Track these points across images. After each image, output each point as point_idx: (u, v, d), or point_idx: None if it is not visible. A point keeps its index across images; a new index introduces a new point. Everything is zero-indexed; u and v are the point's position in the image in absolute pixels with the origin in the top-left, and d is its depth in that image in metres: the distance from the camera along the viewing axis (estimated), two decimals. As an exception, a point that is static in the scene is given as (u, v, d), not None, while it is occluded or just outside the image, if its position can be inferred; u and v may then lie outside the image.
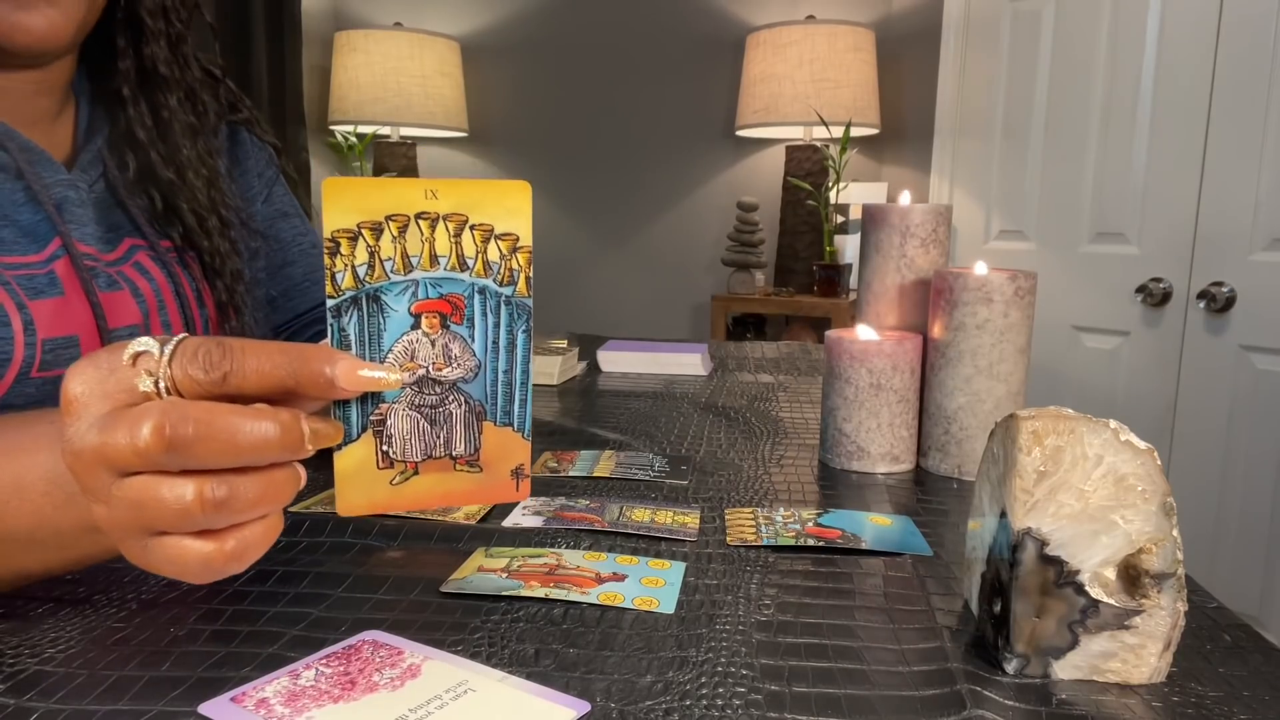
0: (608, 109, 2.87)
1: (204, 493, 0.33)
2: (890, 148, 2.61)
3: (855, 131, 2.43)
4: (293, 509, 0.58)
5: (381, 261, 0.36)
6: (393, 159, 2.80)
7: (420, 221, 0.36)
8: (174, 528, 0.34)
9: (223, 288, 0.69)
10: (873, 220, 0.76)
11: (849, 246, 2.49)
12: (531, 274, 0.38)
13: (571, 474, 0.68)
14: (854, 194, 2.49)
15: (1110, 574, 0.38)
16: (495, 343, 0.38)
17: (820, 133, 2.45)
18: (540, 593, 0.46)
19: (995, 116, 2.30)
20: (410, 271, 0.37)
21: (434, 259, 0.37)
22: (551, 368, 1.04)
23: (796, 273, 2.53)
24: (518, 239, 0.38)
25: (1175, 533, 0.38)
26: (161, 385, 0.34)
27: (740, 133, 2.60)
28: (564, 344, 1.16)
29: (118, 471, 0.33)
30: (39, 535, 0.39)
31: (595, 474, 0.68)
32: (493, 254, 0.38)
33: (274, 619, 0.43)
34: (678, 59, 2.78)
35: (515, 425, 0.39)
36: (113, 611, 0.43)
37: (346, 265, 0.36)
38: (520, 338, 0.39)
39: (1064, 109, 2.13)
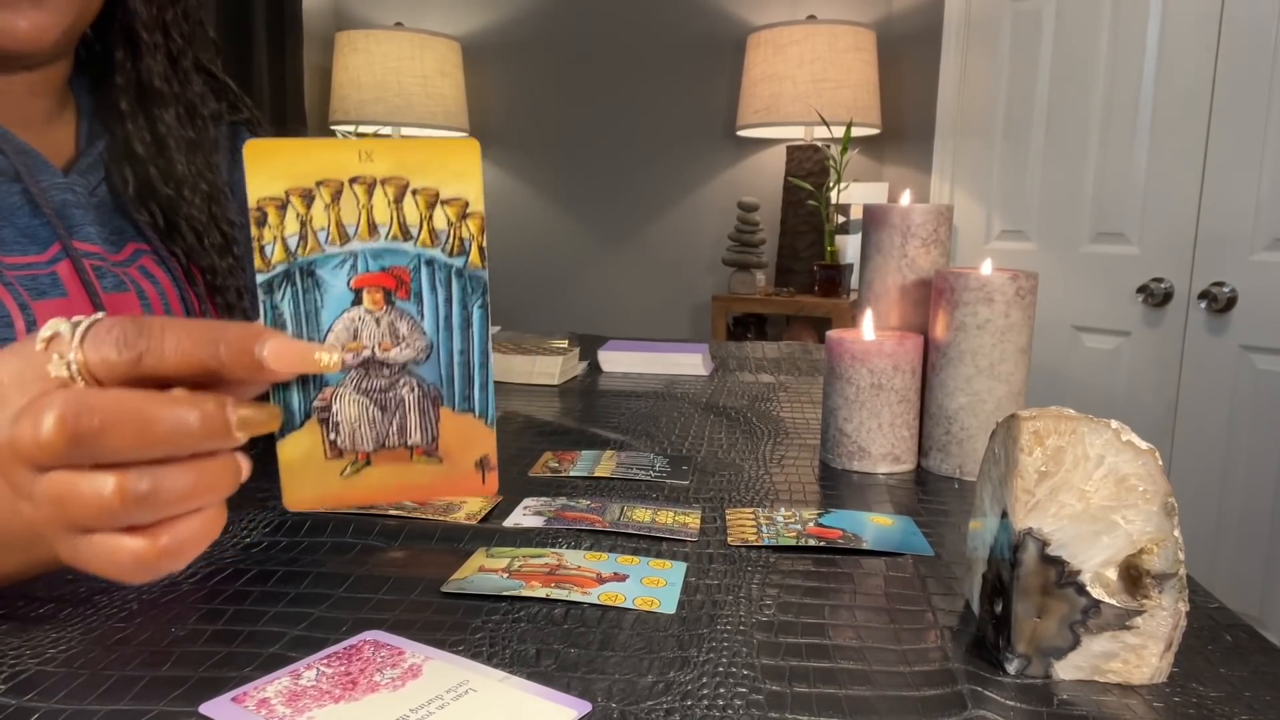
0: (609, 109, 2.87)
1: (124, 486, 0.31)
2: (891, 148, 2.61)
3: (856, 131, 2.43)
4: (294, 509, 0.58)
5: (314, 232, 0.33)
6: (393, 159, 2.79)
7: (355, 187, 0.33)
8: (98, 524, 0.32)
9: (224, 305, 0.69)
10: (874, 220, 0.76)
11: (850, 246, 2.49)
12: (485, 243, 0.35)
13: (572, 474, 0.68)
14: (855, 194, 2.49)
15: (1111, 574, 0.38)
16: (448, 319, 0.35)
17: (821, 133, 2.45)
18: (541, 593, 0.46)
19: (996, 116, 2.30)
20: (347, 242, 0.33)
21: (373, 228, 0.34)
22: (552, 368, 1.04)
23: (797, 273, 2.53)
24: (467, 204, 0.34)
25: (1176, 533, 0.38)
26: (74, 369, 0.32)
27: (741, 133, 2.60)
28: (564, 344, 1.16)
29: (34, 467, 0.31)
30: (3, 539, 0.37)
31: (596, 474, 0.68)
32: (439, 221, 0.34)
33: (275, 619, 0.43)
34: (678, 59, 2.78)
35: (476, 411, 0.36)
36: (114, 611, 0.43)
37: (275, 236, 0.33)
38: (476, 314, 0.35)
39: (1065, 109, 2.13)
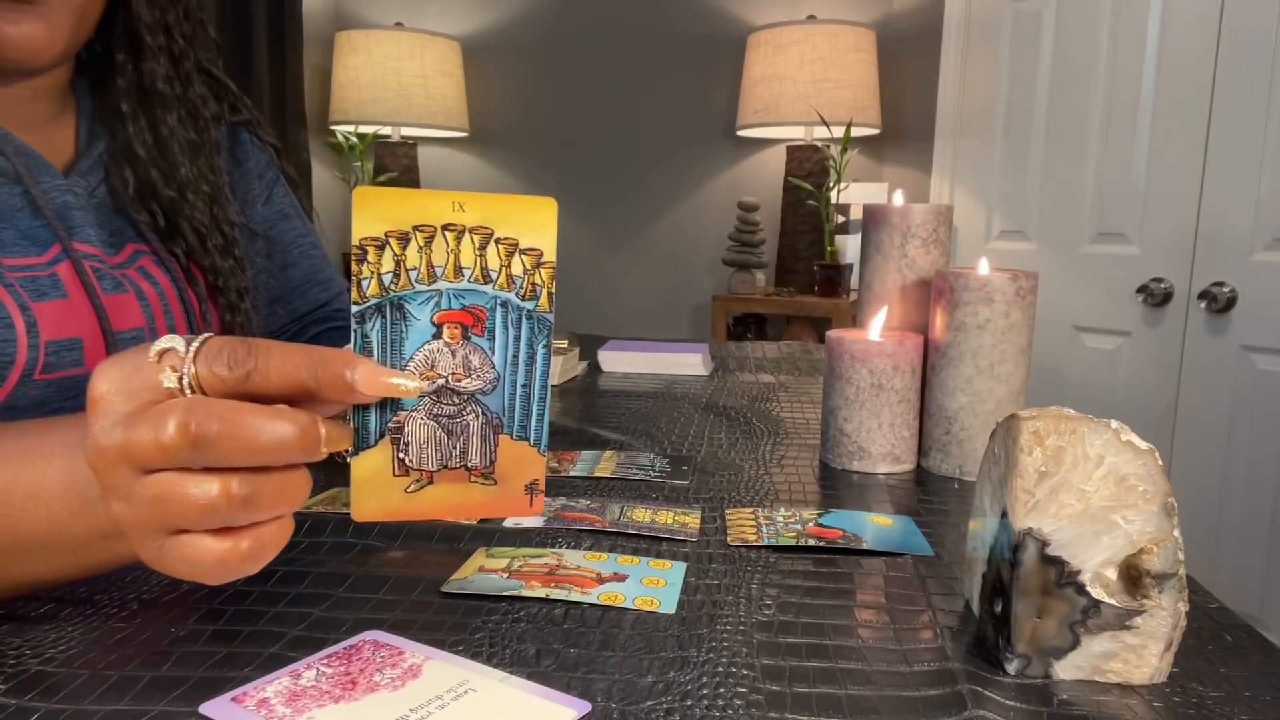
0: (609, 109, 2.87)
1: (230, 489, 0.33)
2: (891, 148, 2.61)
3: (856, 131, 2.43)
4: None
5: (407, 270, 0.36)
6: (393, 159, 2.80)
7: (447, 233, 0.37)
8: (196, 524, 0.34)
9: (226, 305, 0.69)
10: (874, 220, 0.76)
11: (850, 246, 2.49)
12: (554, 290, 0.38)
13: (572, 474, 0.68)
14: (855, 194, 2.49)
15: (1111, 574, 0.38)
16: (515, 356, 0.38)
17: (821, 133, 2.45)
18: (541, 593, 0.46)
19: (996, 116, 2.30)
20: (435, 281, 0.37)
21: (458, 270, 0.37)
22: (552, 368, 1.04)
23: (797, 273, 2.54)
24: (541, 254, 0.38)
25: (1176, 533, 0.38)
26: (185, 383, 0.34)
27: (741, 133, 2.60)
28: (565, 344, 1.16)
29: (141, 468, 0.34)
30: (53, 541, 0.39)
31: (596, 474, 0.68)
32: (516, 268, 0.38)
33: (275, 619, 0.43)
34: (678, 59, 2.78)
35: (531, 439, 0.39)
36: (114, 612, 0.43)
37: (373, 273, 0.36)
38: (540, 352, 0.39)
39: (1065, 109, 2.13)
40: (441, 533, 0.55)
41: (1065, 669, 0.39)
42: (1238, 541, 1.88)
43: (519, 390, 0.39)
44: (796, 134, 2.54)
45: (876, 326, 0.72)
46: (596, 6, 2.83)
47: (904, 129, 2.57)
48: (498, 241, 0.37)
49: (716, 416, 0.88)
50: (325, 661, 0.39)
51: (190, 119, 0.69)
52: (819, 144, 2.48)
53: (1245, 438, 1.86)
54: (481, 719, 0.35)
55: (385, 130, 2.81)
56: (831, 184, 2.40)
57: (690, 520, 0.58)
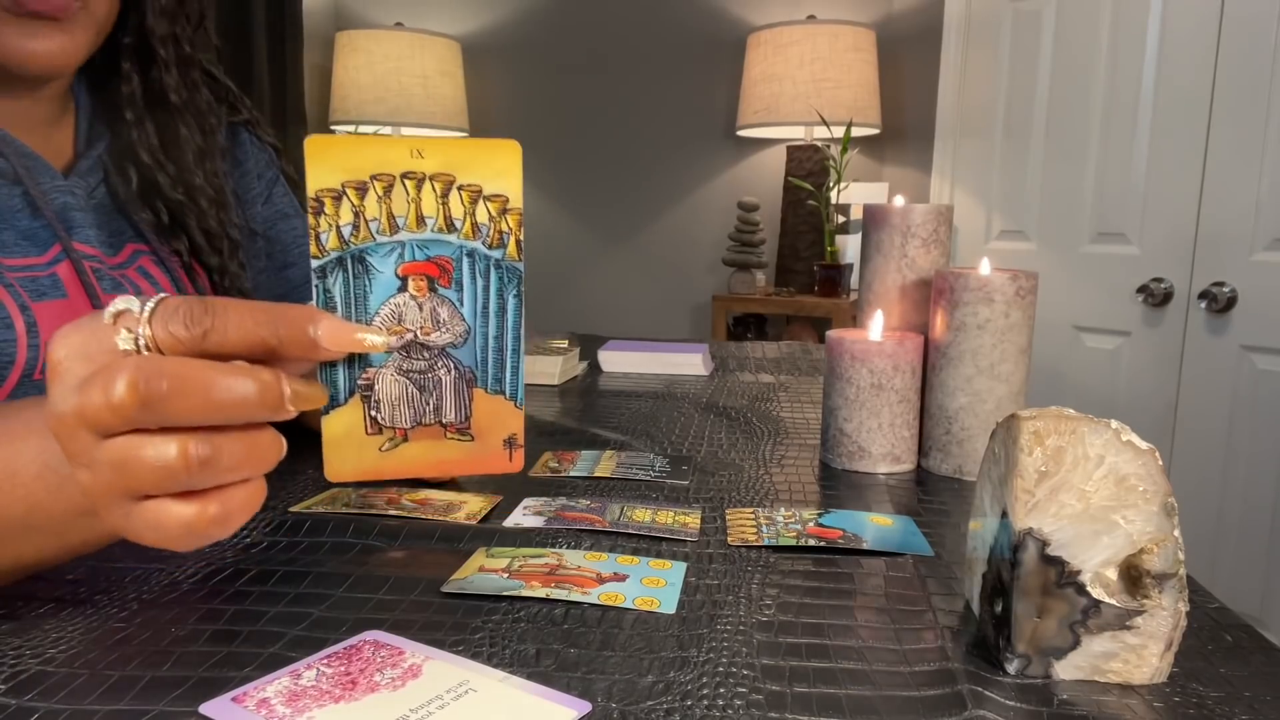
0: (609, 109, 2.87)
1: (187, 450, 0.32)
2: (891, 148, 2.61)
3: (856, 131, 2.43)
4: (294, 509, 0.58)
5: (367, 222, 0.35)
6: (393, 159, 2.80)
7: (406, 181, 0.35)
8: (157, 488, 0.33)
9: None
10: (874, 220, 0.76)
11: (850, 246, 2.49)
12: (522, 237, 0.37)
13: (572, 474, 0.68)
14: (855, 194, 2.49)
15: (1112, 574, 0.38)
16: (485, 307, 0.37)
17: (821, 133, 2.45)
18: (541, 593, 0.46)
19: (996, 116, 2.30)
20: (396, 233, 0.35)
21: (420, 220, 0.36)
22: (552, 368, 1.04)
23: (797, 273, 2.54)
24: (507, 200, 0.36)
25: (1177, 533, 0.38)
26: (142, 343, 0.34)
27: (741, 133, 2.60)
28: (565, 344, 1.16)
29: (99, 432, 0.33)
30: (33, 521, 0.39)
31: (596, 474, 0.68)
32: (481, 216, 0.36)
33: (275, 619, 0.43)
34: (678, 59, 2.78)
35: (507, 393, 0.38)
36: (114, 611, 0.43)
37: (331, 225, 0.35)
38: (511, 302, 0.37)
39: (1065, 109, 2.13)
40: (441, 533, 0.55)
41: (1065, 669, 0.39)
42: (1238, 541, 1.88)
43: (491, 343, 0.38)
44: (796, 134, 2.54)
45: (876, 326, 0.72)
46: (596, 6, 2.83)
47: (904, 129, 2.57)
48: (460, 189, 0.36)
49: (716, 416, 0.88)
50: (325, 661, 0.39)
51: (196, 125, 0.69)
52: (819, 144, 2.48)
53: (1245, 438, 1.86)
54: (481, 719, 0.35)
55: (385, 130, 2.81)
56: (831, 184, 2.41)
57: (690, 520, 0.58)
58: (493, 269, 0.37)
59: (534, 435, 0.80)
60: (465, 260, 0.36)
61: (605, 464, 0.71)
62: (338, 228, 0.35)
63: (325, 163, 0.34)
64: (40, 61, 0.57)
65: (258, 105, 2.26)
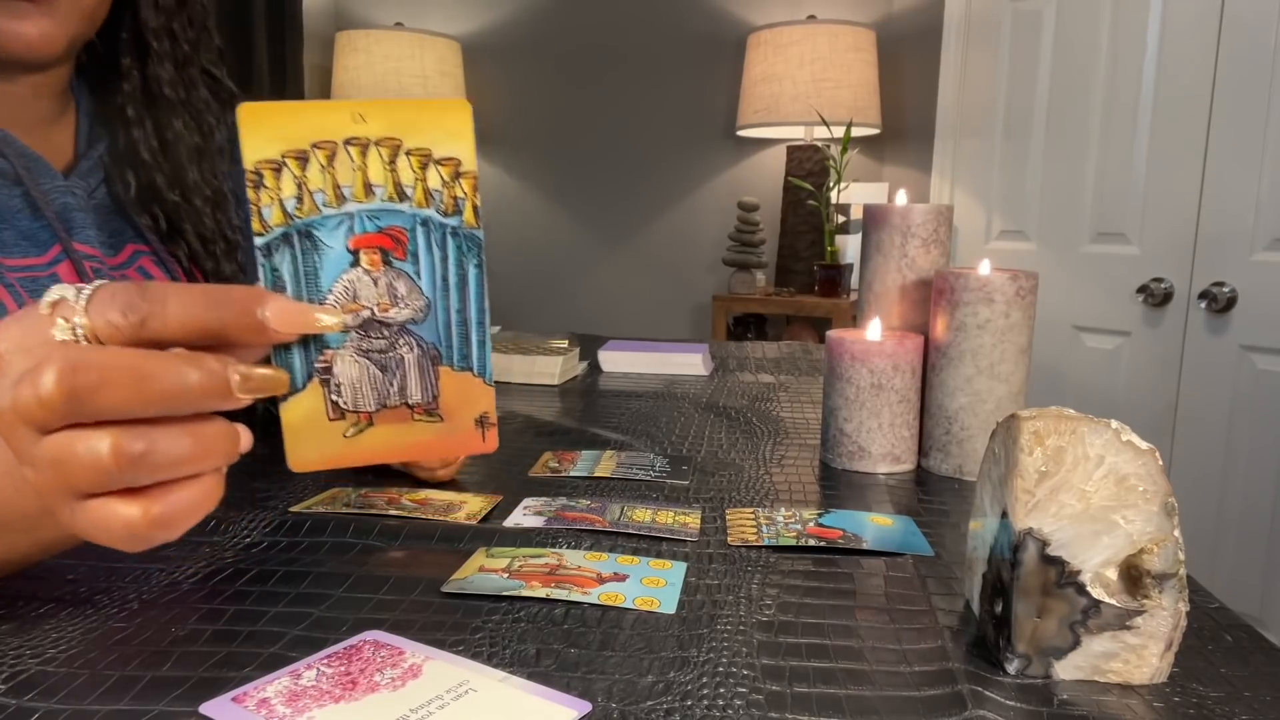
0: (608, 109, 2.87)
1: (119, 445, 0.31)
2: (891, 148, 2.61)
3: (856, 131, 2.43)
4: (294, 509, 0.58)
5: (311, 194, 0.33)
6: (393, 159, 2.80)
7: (350, 148, 0.33)
8: (95, 486, 0.32)
9: None
10: (874, 220, 0.76)
11: (850, 246, 2.49)
12: (479, 202, 0.35)
13: (573, 474, 0.68)
14: (855, 194, 2.49)
15: (1112, 574, 0.38)
16: (445, 279, 0.35)
17: (821, 133, 2.45)
18: (541, 593, 0.46)
19: (996, 116, 2.30)
20: (344, 204, 0.34)
21: (369, 189, 0.34)
22: (552, 368, 1.04)
23: (797, 273, 2.54)
24: (460, 163, 0.34)
25: (1177, 533, 0.38)
26: (79, 334, 0.32)
27: (741, 133, 2.60)
28: (565, 344, 1.16)
29: (36, 428, 0.32)
30: (6, 519, 0.37)
31: (596, 474, 0.68)
32: (433, 181, 0.34)
33: (275, 619, 0.43)
34: (679, 59, 2.78)
35: (475, 369, 0.36)
36: (114, 611, 0.43)
37: (273, 199, 0.33)
38: (472, 272, 0.35)
39: (1065, 109, 2.13)
40: (441, 533, 0.55)
41: (1065, 669, 0.39)
42: (1238, 541, 1.88)
43: (454, 317, 0.36)
44: (796, 134, 2.54)
45: (876, 326, 0.72)
46: (596, 7, 2.83)
47: (904, 129, 2.57)
48: (408, 153, 0.34)
49: (716, 416, 0.88)
50: (325, 661, 0.39)
51: (195, 123, 0.69)
52: (819, 144, 2.48)
53: (1245, 438, 1.86)
54: (481, 719, 0.35)
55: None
56: (831, 184, 2.40)
57: (690, 520, 0.58)
58: (449, 237, 0.35)
59: (534, 435, 0.80)
60: (420, 230, 0.34)
61: (605, 464, 0.71)
62: (280, 201, 0.33)
63: (261, 132, 0.32)
64: (20, 44, 0.56)
65: (258, 105, 2.26)
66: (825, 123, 2.33)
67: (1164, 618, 0.38)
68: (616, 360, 1.14)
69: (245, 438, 0.34)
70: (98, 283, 0.33)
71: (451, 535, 0.54)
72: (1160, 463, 0.38)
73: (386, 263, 0.34)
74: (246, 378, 0.32)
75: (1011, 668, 0.39)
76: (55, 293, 0.33)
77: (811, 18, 2.47)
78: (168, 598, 0.45)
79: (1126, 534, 0.38)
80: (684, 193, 2.84)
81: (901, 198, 0.77)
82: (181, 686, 0.37)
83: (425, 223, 0.35)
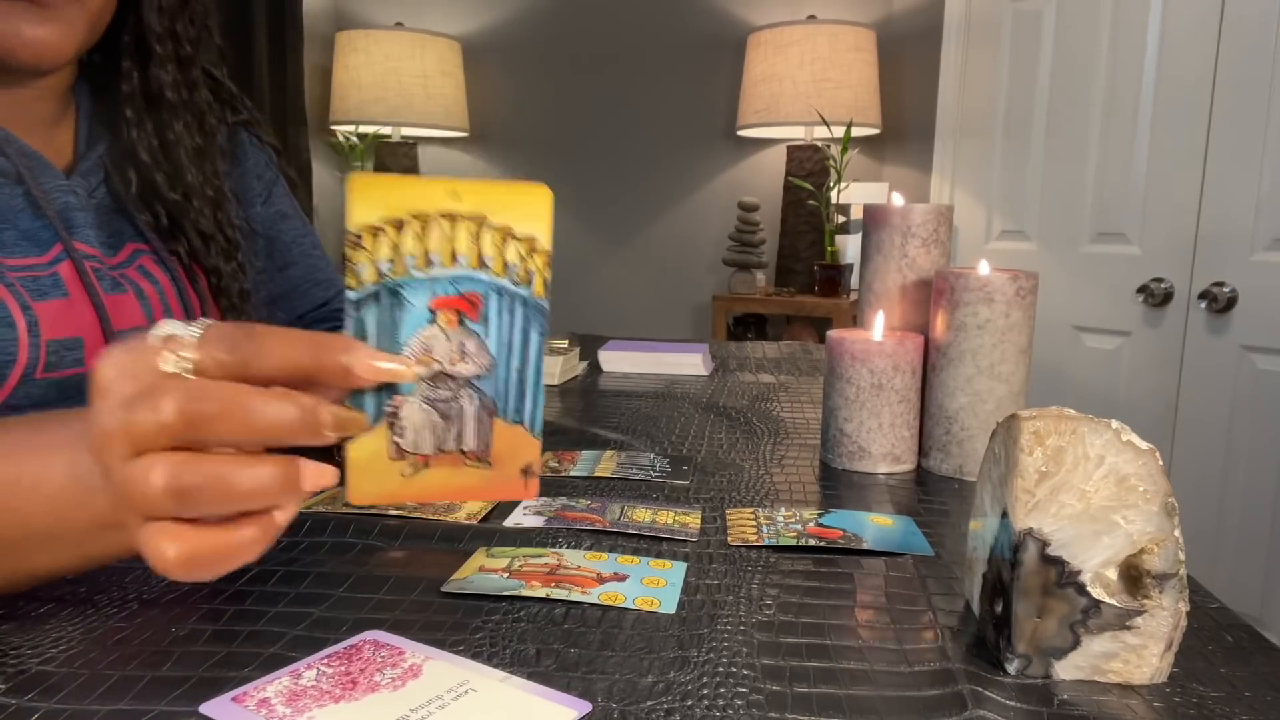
0: (609, 109, 2.87)
1: (180, 477, 0.33)
2: (891, 148, 2.61)
3: (856, 131, 2.43)
4: (294, 509, 0.58)
5: (403, 257, 0.37)
6: (394, 159, 2.80)
7: (443, 220, 0.37)
8: (155, 510, 0.34)
9: (228, 305, 0.69)
10: (874, 220, 0.76)
11: (850, 246, 2.49)
12: (549, 277, 0.39)
13: (573, 474, 0.68)
14: (855, 194, 2.49)
15: (1112, 574, 0.38)
16: (509, 341, 0.39)
17: (821, 133, 2.45)
18: (541, 593, 0.46)
19: (996, 116, 2.30)
20: (431, 268, 0.37)
21: (454, 257, 0.37)
22: (552, 368, 1.04)
23: (797, 273, 2.53)
24: (536, 240, 0.38)
25: (1177, 533, 0.38)
26: (186, 367, 0.35)
27: (741, 133, 2.60)
28: (565, 344, 1.16)
29: (137, 449, 0.34)
30: (58, 532, 0.39)
31: (596, 474, 0.68)
32: (511, 254, 0.38)
33: (275, 619, 0.43)
34: (678, 59, 2.78)
35: (526, 423, 0.40)
36: (114, 611, 0.43)
37: (369, 260, 0.36)
38: (534, 337, 0.39)
39: (1065, 109, 2.13)
40: (442, 533, 0.55)
41: (1065, 669, 0.39)
42: (1238, 541, 1.88)
43: (513, 375, 0.39)
44: (797, 134, 2.54)
45: (877, 326, 0.72)
46: (597, 7, 2.83)
47: (904, 129, 2.57)
48: (493, 228, 0.37)
49: (716, 416, 0.88)
50: (325, 661, 0.39)
51: (196, 124, 0.69)
52: (819, 144, 2.48)
53: (1245, 438, 1.86)
54: (481, 719, 0.35)
55: (385, 130, 2.81)
56: (832, 184, 2.40)
57: (690, 520, 0.58)
58: (519, 305, 0.39)
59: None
60: (494, 296, 0.38)
61: (605, 464, 0.71)
62: (375, 262, 0.36)
63: (368, 199, 0.36)
64: (29, 50, 0.56)
65: (258, 105, 2.26)
66: (825, 123, 2.33)
67: (1164, 618, 0.38)
68: (617, 360, 1.14)
69: (330, 474, 0.37)
70: (206, 321, 0.36)
71: (451, 535, 0.54)
72: (1160, 463, 0.38)
73: (460, 323, 0.38)
74: (336, 417, 0.35)
75: (1011, 668, 0.39)
76: (166, 328, 0.36)
77: (812, 18, 2.47)
78: (168, 598, 0.45)
79: (1127, 534, 0.38)
80: (684, 193, 2.84)
81: (896, 199, 0.77)
82: (181, 686, 0.37)
83: (500, 290, 0.38)
